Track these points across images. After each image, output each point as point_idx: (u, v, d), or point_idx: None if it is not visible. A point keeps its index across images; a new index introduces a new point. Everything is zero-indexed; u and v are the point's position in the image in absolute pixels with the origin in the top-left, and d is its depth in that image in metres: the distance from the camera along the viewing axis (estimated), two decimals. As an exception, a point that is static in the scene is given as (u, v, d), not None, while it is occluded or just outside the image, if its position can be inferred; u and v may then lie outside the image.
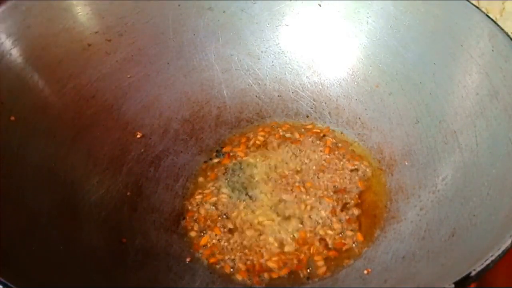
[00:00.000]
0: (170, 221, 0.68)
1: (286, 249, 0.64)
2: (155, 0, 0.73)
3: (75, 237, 0.60)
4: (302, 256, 0.63)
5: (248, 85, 0.79)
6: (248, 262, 0.63)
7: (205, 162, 0.74)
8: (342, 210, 0.67)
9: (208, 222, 0.67)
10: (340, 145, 0.74)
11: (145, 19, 0.73)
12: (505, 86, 0.59)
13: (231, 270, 0.62)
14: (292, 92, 0.79)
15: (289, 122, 0.77)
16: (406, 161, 0.68)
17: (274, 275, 0.62)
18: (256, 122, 0.78)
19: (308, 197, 0.68)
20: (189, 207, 0.69)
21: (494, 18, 0.62)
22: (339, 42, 0.76)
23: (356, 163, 0.71)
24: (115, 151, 0.70)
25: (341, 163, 0.72)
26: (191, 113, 0.77)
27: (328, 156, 0.72)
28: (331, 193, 0.68)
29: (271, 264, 0.62)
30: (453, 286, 0.43)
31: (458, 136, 0.63)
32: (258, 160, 0.73)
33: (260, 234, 0.65)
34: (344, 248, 0.64)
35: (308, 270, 0.62)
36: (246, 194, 0.69)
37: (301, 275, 0.62)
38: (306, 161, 0.72)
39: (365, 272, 0.60)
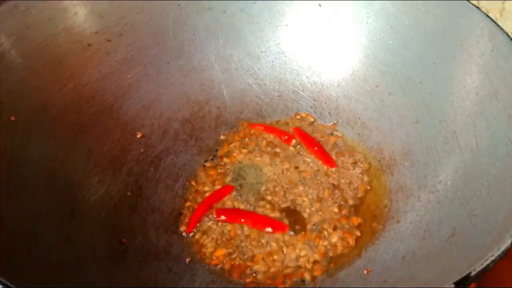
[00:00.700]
0: (170, 221, 0.68)
1: (286, 251, 0.64)
2: (155, 0, 0.73)
3: (75, 237, 0.60)
4: (302, 258, 0.63)
5: (248, 85, 0.79)
6: (247, 263, 0.63)
7: (205, 162, 0.74)
8: (342, 210, 0.67)
9: (209, 224, 0.67)
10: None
11: (145, 19, 0.73)
12: (505, 86, 0.59)
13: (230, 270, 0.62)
14: (292, 92, 0.79)
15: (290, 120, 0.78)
16: (406, 161, 0.68)
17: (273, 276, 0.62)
18: (256, 122, 0.78)
19: (307, 197, 0.69)
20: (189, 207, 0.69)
21: (494, 18, 0.62)
22: (339, 42, 0.76)
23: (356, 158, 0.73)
24: (115, 151, 0.70)
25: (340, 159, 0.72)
26: (191, 113, 0.77)
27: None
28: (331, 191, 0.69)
29: (267, 265, 0.63)
30: (453, 286, 0.43)
31: (458, 136, 0.63)
32: (260, 160, 0.73)
33: (260, 234, 0.65)
34: (344, 248, 0.64)
35: (308, 272, 0.62)
36: (247, 194, 0.69)
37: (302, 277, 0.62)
38: (308, 160, 0.73)
39: (365, 272, 0.60)
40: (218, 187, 0.70)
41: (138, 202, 0.68)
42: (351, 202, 0.68)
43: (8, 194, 0.56)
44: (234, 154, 0.74)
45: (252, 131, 0.76)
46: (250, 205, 0.68)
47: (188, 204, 0.69)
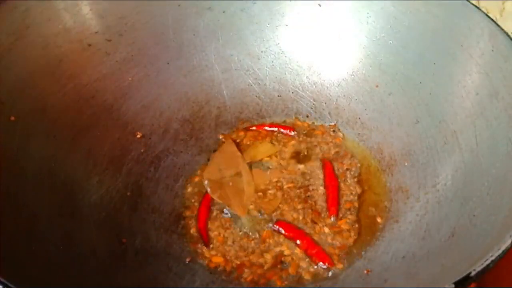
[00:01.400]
0: (170, 221, 0.68)
1: (286, 252, 0.64)
2: (155, 0, 0.73)
3: (75, 237, 0.60)
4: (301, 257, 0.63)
5: (248, 85, 0.79)
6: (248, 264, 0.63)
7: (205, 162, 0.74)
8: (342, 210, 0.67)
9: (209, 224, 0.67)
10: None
11: (145, 19, 0.73)
12: (505, 86, 0.59)
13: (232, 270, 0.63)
14: (292, 92, 0.79)
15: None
16: (406, 161, 0.68)
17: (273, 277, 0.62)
18: (256, 122, 0.78)
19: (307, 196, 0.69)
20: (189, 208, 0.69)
21: (494, 18, 0.62)
22: (339, 42, 0.76)
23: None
24: (115, 151, 0.70)
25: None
26: (191, 113, 0.77)
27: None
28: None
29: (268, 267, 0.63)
30: (453, 286, 0.43)
31: (458, 136, 0.63)
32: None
33: (260, 234, 0.65)
34: (343, 249, 0.64)
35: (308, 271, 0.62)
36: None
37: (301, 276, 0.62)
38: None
39: (365, 272, 0.60)
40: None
41: (138, 202, 0.68)
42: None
43: (8, 194, 0.56)
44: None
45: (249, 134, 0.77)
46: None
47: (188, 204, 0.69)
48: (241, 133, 0.77)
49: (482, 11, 0.63)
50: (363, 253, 0.63)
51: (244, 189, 0.69)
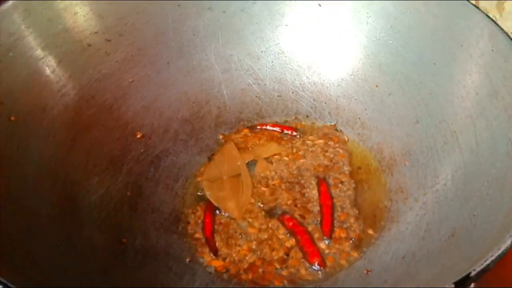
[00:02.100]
0: (170, 221, 0.68)
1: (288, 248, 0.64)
2: (155, 0, 0.73)
3: (75, 237, 0.60)
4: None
5: (248, 85, 0.79)
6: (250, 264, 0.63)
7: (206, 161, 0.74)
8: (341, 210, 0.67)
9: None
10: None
11: (145, 19, 0.73)
12: (505, 86, 0.59)
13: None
14: (292, 92, 0.79)
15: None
16: (406, 161, 0.68)
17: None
18: (256, 122, 0.78)
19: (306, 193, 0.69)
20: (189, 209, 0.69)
21: (494, 18, 0.62)
22: (339, 42, 0.76)
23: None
24: (115, 151, 0.70)
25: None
26: (191, 113, 0.77)
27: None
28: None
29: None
30: (453, 286, 0.43)
31: (458, 136, 0.63)
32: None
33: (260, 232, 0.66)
34: (344, 249, 0.64)
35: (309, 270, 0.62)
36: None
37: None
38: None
39: (365, 272, 0.60)
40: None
41: (138, 202, 0.68)
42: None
43: (8, 194, 0.56)
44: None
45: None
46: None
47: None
48: (246, 131, 0.77)
49: (482, 11, 0.63)
50: (363, 253, 0.63)
51: (241, 192, 0.69)
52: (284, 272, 0.62)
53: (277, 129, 0.77)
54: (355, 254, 0.63)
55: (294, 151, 0.74)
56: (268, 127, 0.77)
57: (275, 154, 0.74)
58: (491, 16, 0.62)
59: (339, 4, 0.74)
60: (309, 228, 0.65)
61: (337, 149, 0.74)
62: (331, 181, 0.70)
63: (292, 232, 0.65)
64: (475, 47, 0.63)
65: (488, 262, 0.44)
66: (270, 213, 0.67)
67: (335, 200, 0.68)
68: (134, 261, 0.61)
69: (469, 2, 0.64)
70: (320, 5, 0.75)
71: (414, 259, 0.57)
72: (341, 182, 0.70)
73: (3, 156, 0.58)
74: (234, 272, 0.62)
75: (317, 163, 0.72)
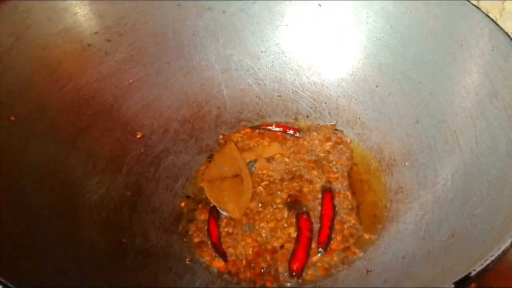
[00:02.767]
0: (170, 221, 0.67)
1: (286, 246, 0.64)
2: (155, 0, 0.73)
3: (75, 237, 0.60)
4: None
5: (248, 85, 0.79)
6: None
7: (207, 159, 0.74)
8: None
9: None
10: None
11: (145, 19, 0.73)
12: (505, 86, 0.59)
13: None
14: (292, 92, 0.79)
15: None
16: (406, 161, 0.68)
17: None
18: (256, 122, 0.78)
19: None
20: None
21: (494, 18, 0.62)
22: (339, 42, 0.76)
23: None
24: (115, 151, 0.70)
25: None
26: (191, 113, 0.77)
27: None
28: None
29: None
30: (453, 286, 0.43)
31: (458, 136, 0.63)
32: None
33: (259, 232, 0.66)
34: (344, 248, 0.64)
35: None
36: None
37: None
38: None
39: (365, 272, 0.60)
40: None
41: (138, 202, 0.68)
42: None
43: (8, 194, 0.56)
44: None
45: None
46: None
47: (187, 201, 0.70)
48: (247, 131, 0.77)
49: (482, 11, 0.63)
50: (363, 253, 0.63)
51: (242, 192, 0.69)
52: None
53: (280, 129, 0.77)
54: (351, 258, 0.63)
55: (296, 150, 0.74)
56: (272, 128, 0.77)
57: (276, 154, 0.74)
58: (491, 16, 0.62)
59: (339, 4, 0.74)
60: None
61: (339, 149, 0.73)
62: (333, 185, 0.70)
63: (299, 231, 0.65)
64: (475, 47, 0.63)
65: (488, 262, 0.44)
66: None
67: (335, 201, 0.68)
68: (134, 261, 0.61)
69: (469, 2, 0.64)
70: (320, 5, 0.75)
71: (414, 259, 0.57)
72: (342, 183, 0.70)
73: (3, 156, 0.58)
74: (235, 271, 0.62)
75: (318, 163, 0.72)
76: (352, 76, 0.76)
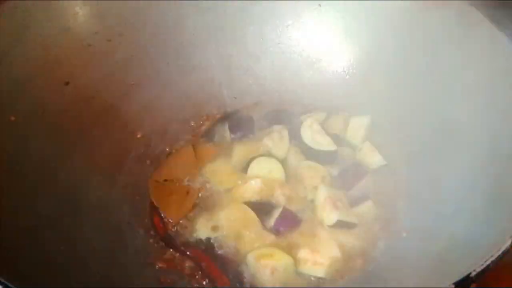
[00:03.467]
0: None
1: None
2: (155, 0, 0.73)
3: (75, 237, 0.60)
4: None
5: (248, 85, 0.79)
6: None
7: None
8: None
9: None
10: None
11: (145, 19, 0.73)
12: (505, 86, 0.59)
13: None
14: (292, 92, 0.79)
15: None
16: (406, 162, 0.68)
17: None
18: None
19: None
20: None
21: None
22: (339, 42, 0.76)
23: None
24: (115, 151, 0.71)
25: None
26: (191, 113, 0.77)
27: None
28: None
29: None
30: (453, 286, 0.43)
31: (459, 136, 0.62)
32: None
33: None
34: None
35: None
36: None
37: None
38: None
39: (365, 272, 0.60)
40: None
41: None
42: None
43: (8, 194, 0.56)
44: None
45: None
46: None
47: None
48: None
49: (482, 12, 0.63)
50: (363, 253, 0.63)
51: (185, 198, 0.68)
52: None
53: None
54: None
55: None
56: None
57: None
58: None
59: (339, 4, 0.74)
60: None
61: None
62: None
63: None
64: (475, 47, 0.63)
65: (488, 262, 0.44)
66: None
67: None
68: (134, 261, 0.61)
69: (469, 2, 0.64)
70: (320, 5, 0.75)
71: (414, 260, 0.57)
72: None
73: (3, 156, 0.58)
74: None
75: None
76: (352, 77, 0.76)
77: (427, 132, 0.67)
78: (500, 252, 0.45)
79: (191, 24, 0.76)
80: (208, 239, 0.64)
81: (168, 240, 0.65)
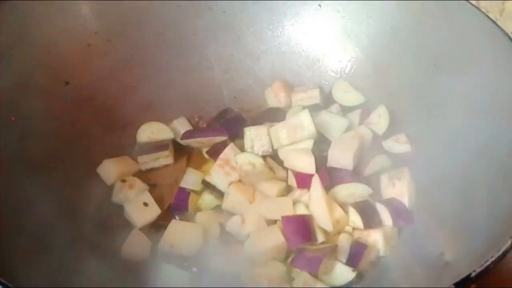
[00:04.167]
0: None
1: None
2: (155, 0, 0.73)
3: (75, 237, 0.60)
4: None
5: (248, 85, 0.79)
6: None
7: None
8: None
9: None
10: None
11: (145, 19, 0.73)
12: (505, 86, 0.59)
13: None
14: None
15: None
16: (407, 162, 0.68)
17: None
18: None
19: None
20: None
21: (494, 18, 0.62)
22: (339, 42, 0.76)
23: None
24: (115, 151, 0.70)
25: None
26: (191, 113, 0.77)
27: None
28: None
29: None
30: (453, 286, 0.43)
31: (458, 136, 0.62)
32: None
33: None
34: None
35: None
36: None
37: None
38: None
39: (365, 271, 0.60)
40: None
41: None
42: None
43: (8, 194, 0.56)
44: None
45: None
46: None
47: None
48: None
49: (482, 11, 0.63)
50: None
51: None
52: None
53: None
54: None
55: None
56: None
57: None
58: (491, 16, 0.62)
59: (339, 4, 0.74)
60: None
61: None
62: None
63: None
64: (476, 47, 0.63)
65: (488, 263, 0.44)
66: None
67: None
68: (134, 261, 0.61)
69: (469, 2, 0.64)
70: (320, 5, 0.75)
71: (414, 261, 0.57)
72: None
73: (3, 156, 0.58)
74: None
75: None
76: (353, 77, 0.76)
77: (427, 132, 0.67)
78: (500, 253, 0.45)
79: (191, 24, 0.76)
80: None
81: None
